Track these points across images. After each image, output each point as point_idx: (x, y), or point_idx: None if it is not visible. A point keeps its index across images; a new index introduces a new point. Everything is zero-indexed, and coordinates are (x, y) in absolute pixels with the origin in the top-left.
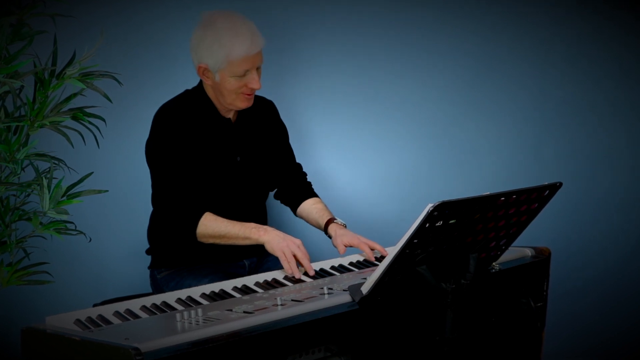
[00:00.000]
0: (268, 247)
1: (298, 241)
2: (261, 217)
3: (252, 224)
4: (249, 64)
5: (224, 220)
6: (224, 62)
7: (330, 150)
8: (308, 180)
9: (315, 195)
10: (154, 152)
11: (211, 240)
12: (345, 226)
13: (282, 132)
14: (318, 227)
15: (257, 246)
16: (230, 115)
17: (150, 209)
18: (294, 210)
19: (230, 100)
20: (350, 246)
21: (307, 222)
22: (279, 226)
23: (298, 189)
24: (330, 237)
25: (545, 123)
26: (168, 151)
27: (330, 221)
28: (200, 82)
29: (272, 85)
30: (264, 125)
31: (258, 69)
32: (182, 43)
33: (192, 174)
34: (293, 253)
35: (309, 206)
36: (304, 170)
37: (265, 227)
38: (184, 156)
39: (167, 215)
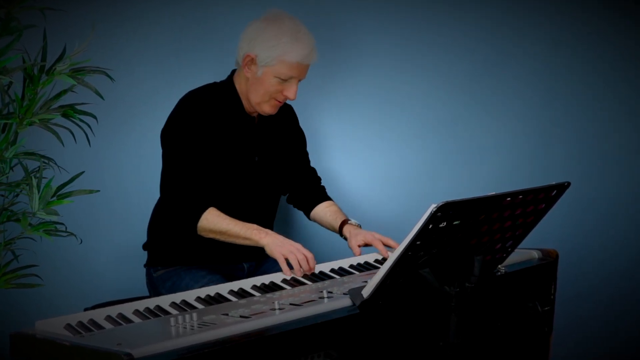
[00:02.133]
0: (268, 250)
1: (298, 245)
2: (269, 218)
3: (255, 225)
4: (297, 72)
5: (227, 218)
6: (275, 59)
7: (330, 149)
8: (322, 184)
9: (329, 199)
10: (171, 135)
11: (211, 235)
12: (360, 226)
13: (300, 138)
14: (333, 229)
15: (257, 250)
16: (255, 115)
17: (144, 207)
18: (308, 214)
19: (260, 100)
20: (365, 245)
21: (322, 225)
22: (285, 231)
23: (312, 192)
24: (345, 239)
25: (553, 121)
26: (186, 137)
27: (344, 223)
28: (230, 76)
29: None
30: (284, 128)
31: (299, 80)
32: (177, 37)
33: (205, 165)
34: (295, 256)
35: (322, 209)
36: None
37: (267, 230)
38: (201, 145)
39: (171, 203)
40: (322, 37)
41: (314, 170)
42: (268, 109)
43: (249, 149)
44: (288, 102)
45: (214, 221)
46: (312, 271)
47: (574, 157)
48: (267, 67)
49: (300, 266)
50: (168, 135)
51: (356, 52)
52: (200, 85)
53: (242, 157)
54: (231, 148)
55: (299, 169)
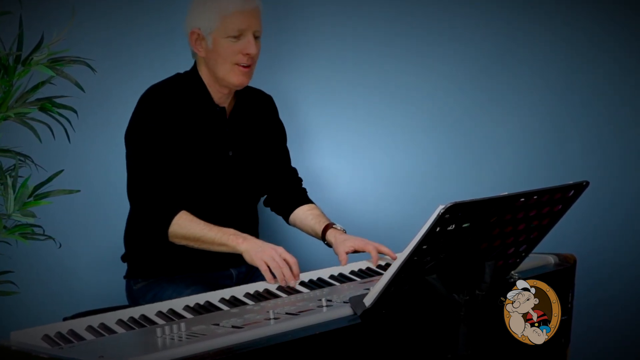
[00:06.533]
0: (246, 257)
1: (280, 249)
2: (252, 221)
3: (232, 230)
4: (244, 22)
5: (201, 222)
6: (216, 20)
7: (329, 146)
8: (303, 186)
9: (311, 202)
10: (133, 136)
11: (184, 242)
12: (345, 232)
13: (279, 132)
14: (315, 234)
15: None
16: (226, 105)
17: (128, 209)
18: (287, 218)
19: (223, 72)
20: (355, 251)
21: (302, 230)
22: (272, 233)
23: (291, 195)
24: (329, 245)
25: (570, 116)
26: (149, 137)
27: (328, 227)
28: (195, 66)
29: (267, 73)
30: (261, 120)
31: (257, 38)
32: (164, 25)
33: (173, 165)
34: (277, 263)
35: (303, 212)
36: (300, 175)
37: (245, 235)
38: (166, 144)
39: (139, 210)
40: (319, 21)
41: (294, 171)
42: (236, 78)
43: (221, 142)
44: (267, 92)
45: (187, 226)
46: (297, 279)
47: (592, 155)
48: (212, 33)
49: (284, 274)
50: (130, 137)
51: (355, 38)
52: (163, 79)
53: (215, 152)
54: (201, 143)
55: (277, 168)
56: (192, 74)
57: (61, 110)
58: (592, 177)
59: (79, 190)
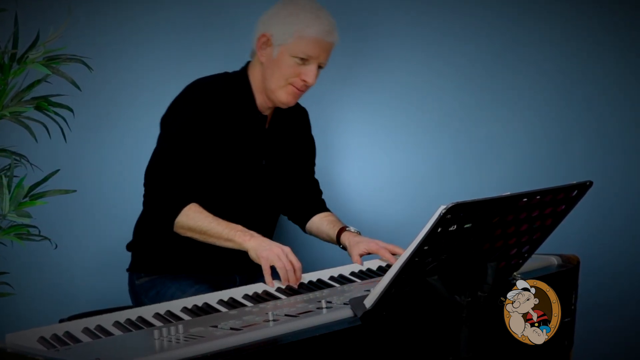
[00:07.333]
0: (252, 254)
1: (287, 249)
2: (269, 228)
3: (239, 227)
4: (316, 50)
5: (210, 215)
6: (292, 36)
7: (329, 146)
8: (322, 197)
9: (328, 210)
10: (168, 120)
11: (189, 234)
12: (360, 234)
13: (310, 146)
14: (330, 239)
15: (251, 261)
16: (268, 113)
17: (125, 209)
18: (303, 226)
19: (275, 86)
20: (369, 253)
21: (318, 236)
22: (279, 237)
23: (310, 205)
24: (344, 248)
25: (573, 115)
26: (184, 126)
27: (342, 230)
28: (245, 68)
29: None
30: (295, 133)
31: (320, 67)
32: (162, 24)
33: (199, 160)
34: (282, 263)
35: (319, 219)
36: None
37: (252, 232)
38: (199, 138)
39: (151, 193)
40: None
41: (316, 182)
42: (285, 97)
43: (257, 150)
44: (303, 104)
45: (195, 218)
46: (299, 282)
47: (596, 155)
48: (283, 45)
49: (288, 276)
50: (165, 121)
51: (355, 37)
52: (210, 75)
53: (249, 158)
54: (237, 147)
55: (301, 179)
56: (241, 76)
57: (57, 109)
58: (595, 177)
59: (75, 190)
